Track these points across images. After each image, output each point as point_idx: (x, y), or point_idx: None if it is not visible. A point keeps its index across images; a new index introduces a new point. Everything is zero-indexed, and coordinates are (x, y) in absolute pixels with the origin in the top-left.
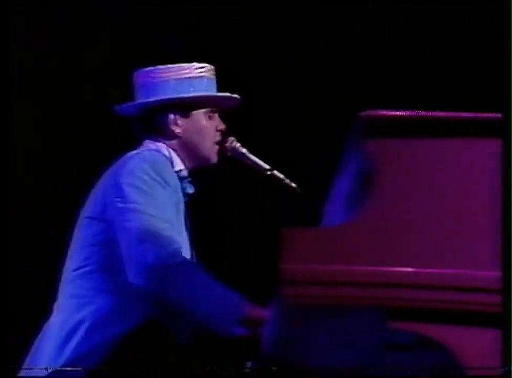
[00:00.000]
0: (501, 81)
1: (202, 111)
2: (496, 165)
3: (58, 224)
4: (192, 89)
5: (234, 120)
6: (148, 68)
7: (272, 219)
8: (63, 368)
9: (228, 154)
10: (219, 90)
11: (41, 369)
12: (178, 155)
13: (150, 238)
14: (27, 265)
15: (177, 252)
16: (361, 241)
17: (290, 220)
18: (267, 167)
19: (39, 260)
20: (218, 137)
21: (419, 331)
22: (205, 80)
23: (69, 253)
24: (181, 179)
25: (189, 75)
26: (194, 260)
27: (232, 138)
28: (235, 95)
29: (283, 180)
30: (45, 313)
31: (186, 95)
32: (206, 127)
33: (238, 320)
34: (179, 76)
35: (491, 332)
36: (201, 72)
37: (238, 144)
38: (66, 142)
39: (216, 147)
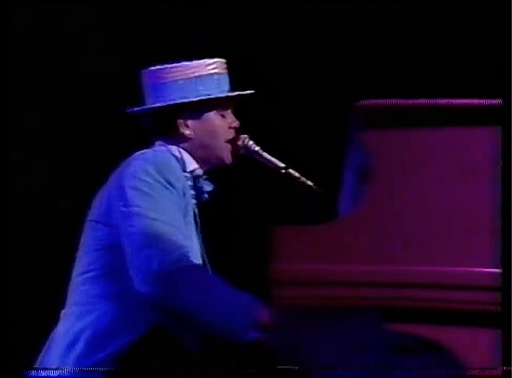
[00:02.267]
0: (501, 67)
1: (213, 111)
2: (495, 154)
3: (62, 227)
4: (201, 89)
5: (246, 117)
6: (155, 67)
7: (288, 219)
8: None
9: (241, 152)
10: (232, 84)
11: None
12: (191, 155)
13: (154, 243)
14: (30, 269)
15: (183, 257)
16: (355, 238)
17: (308, 219)
18: (282, 165)
19: (43, 264)
20: (231, 135)
21: (418, 333)
22: (216, 77)
23: (76, 258)
24: (196, 178)
25: (198, 74)
26: (205, 265)
27: (244, 136)
28: (247, 92)
29: (299, 178)
30: (54, 320)
31: (193, 99)
32: (218, 127)
33: (253, 325)
34: (187, 76)
35: (493, 333)
36: (211, 69)
37: (251, 142)
38: (72, 142)
39: (230, 146)
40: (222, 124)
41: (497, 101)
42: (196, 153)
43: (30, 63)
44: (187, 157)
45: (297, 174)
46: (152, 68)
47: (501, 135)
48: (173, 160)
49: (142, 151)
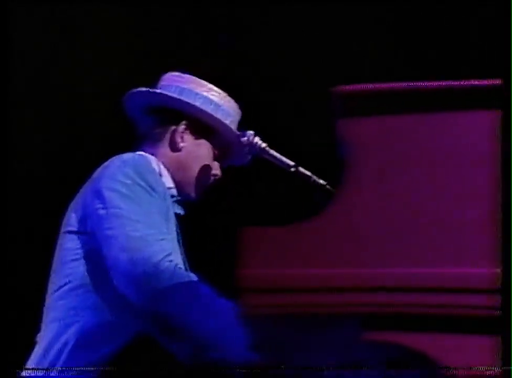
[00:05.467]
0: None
1: (212, 145)
2: (494, 142)
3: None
4: (217, 113)
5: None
6: (188, 75)
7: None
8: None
9: (246, 150)
10: None
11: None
12: (169, 173)
13: (137, 245)
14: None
15: (169, 260)
16: (332, 239)
17: None
18: (292, 163)
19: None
20: (209, 177)
21: (403, 342)
22: (229, 115)
23: (50, 276)
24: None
25: (216, 99)
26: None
27: (250, 132)
28: (244, 139)
29: (310, 177)
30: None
31: (208, 110)
32: (206, 158)
33: (247, 344)
34: (207, 95)
35: (486, 340)
36: (228, 106)
37: (257, 139)
38: (68, 146)
39: (204, 186)
40: (209, 159)
41: (496, 81)
42: (174, 172)
43: (30, 62)
44: (165, 173)
45: (308, 173)
46: (178, 73)
47: (501, 120)
48: (152, 166)
49: (121, 154)
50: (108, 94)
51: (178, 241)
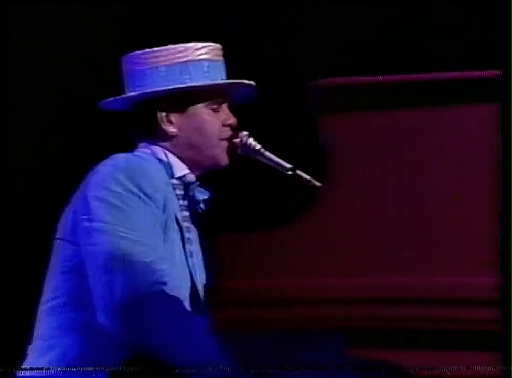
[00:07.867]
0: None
1: (202, 104)
2: (492, 137)
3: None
4: (186, 77)
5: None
6: (136, 52)
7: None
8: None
9: (239, 151)
10: (230, 74)
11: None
12: (180, 158)
13: (120, 266)
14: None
15: (156, 284)
16: (309, 247)
17: None
18: (289, 165)
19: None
20: (226, 133)
21: (391, 360)
22: (206, 64)
23: (44, 284)
24: (187, 185)
25: (184, 59)
26: (195, 291)
27: (244, 133)
28: (243, 81)
29: (308, 180)
30: None
31: (167, 88)
32: (207, 123)
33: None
34: (171, 62)
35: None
36: (201, 54)
37: (251, 139)
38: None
39: (225, 145)
40: (212, 119)
41: (494, 73)
42: (185, 155)
43: (30, 62)
44: (174, 161)
45: (306, 176)
46: (132, 53)
47: (500, 115)
48: (152, 165)
49: (114, 155)
50: (109, 93)
51: (185, 251)
